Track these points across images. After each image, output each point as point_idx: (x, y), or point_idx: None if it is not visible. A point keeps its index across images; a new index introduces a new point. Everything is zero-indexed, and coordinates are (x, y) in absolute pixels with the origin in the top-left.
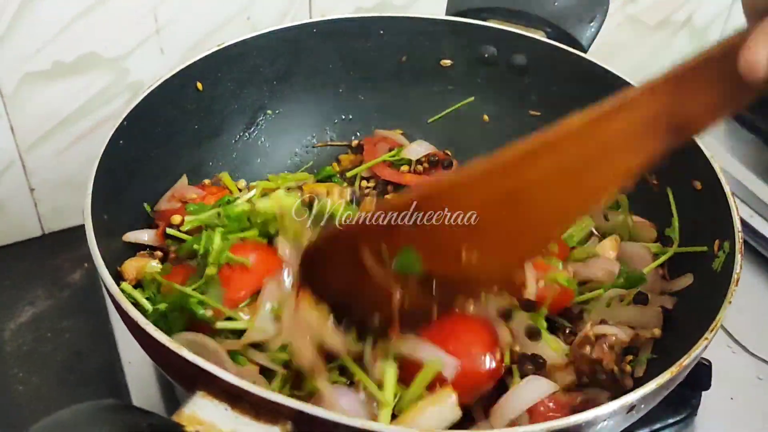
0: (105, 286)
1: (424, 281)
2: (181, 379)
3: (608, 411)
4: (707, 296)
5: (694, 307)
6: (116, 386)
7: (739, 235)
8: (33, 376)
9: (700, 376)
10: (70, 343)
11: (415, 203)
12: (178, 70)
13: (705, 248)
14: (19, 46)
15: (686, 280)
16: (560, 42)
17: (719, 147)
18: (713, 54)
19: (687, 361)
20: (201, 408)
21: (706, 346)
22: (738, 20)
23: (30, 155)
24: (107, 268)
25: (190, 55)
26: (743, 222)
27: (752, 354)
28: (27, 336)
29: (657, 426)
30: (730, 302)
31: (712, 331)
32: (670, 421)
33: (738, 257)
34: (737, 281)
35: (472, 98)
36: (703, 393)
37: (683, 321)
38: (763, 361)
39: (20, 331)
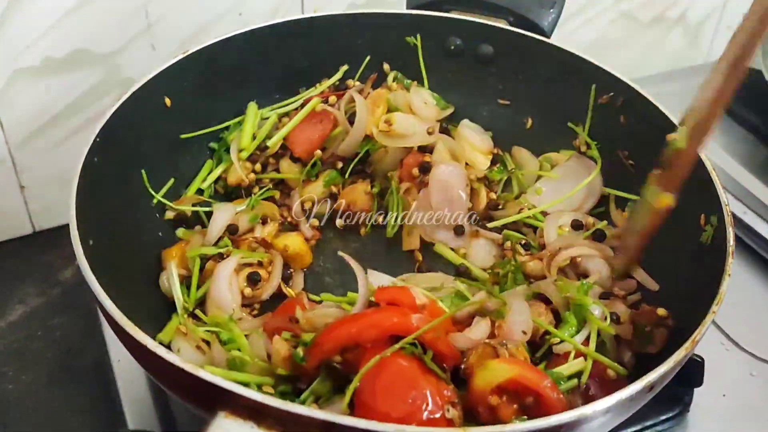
0: (103, 308)
1: None
2: (198, 401)
3: (630, 392)
4: (703, 271)
5: (692, 283)
6: (107, 384)
7: (726, 208)
8: (23, 374)
9: (693, 372)
10: (61, 340)
11: None
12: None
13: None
14: (10, 42)
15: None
16: (523, 29)
17: (713, 144)
18: None
19: (699, 336)
20: (227, 429)
21: (713, 321)
22: (732, 17)
23: (20, 152)
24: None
25: (181, 51)
26: (737, 218)
27: (745, 350)
28: (18, 334)
29: (649, 422)
30: (729, 275)
31: (717, 304)
32: (663, 417)
33: (729, 229)
34: (732, 253)
35: (441, 90)
36: (696, 390)
37: (682, 298)
38: (756, 357)
39: (11, 329)
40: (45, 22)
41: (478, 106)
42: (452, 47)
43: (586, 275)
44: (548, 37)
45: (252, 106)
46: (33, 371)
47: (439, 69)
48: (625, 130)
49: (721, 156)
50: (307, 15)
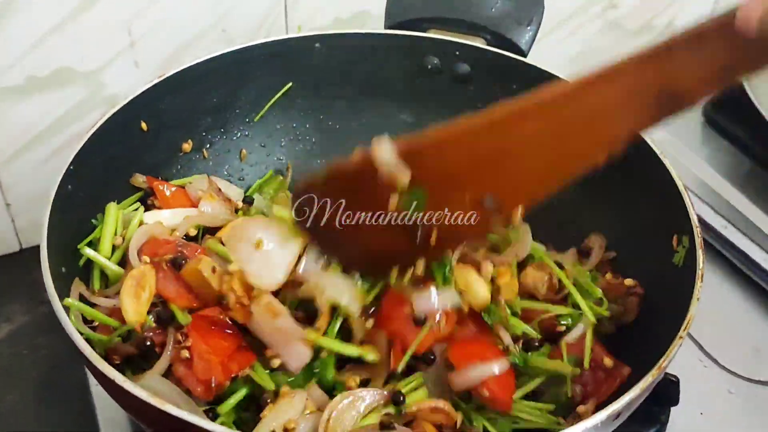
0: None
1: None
2: None
3: (594, 422)
4: (674, 294)
5: (665, 305)
6: (91, 404)
7: (697, 230)
8: (9, 393)
9: (669, 391)
10: (47, 359)
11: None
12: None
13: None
14: None
15: None
16: (500, 47)
17: (695, 156)
18: (707, 26)
19: (666, 362)
20: None
21: (681, 345)
22: None
23: (5, 170)
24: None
25: (164, 68)
26: (717, 233)
27: (723, 367)
28: (3, 352)
29: None
30: (698, 299)
31: (685, 329)
32: None
33: (699, 252)
34: (702, 277)
35: (418, 109)
36: (673, 408)
37: (651, 321)
38: (735, 374)
39: None
40: (27, 41)
41: None
42: (429, 66)
43: None
44: (525, 55)
45: (111, 207)
46: (18, 390)
47: (417, 88)
48: None
49: (702, 168)
50: (282, 36)
